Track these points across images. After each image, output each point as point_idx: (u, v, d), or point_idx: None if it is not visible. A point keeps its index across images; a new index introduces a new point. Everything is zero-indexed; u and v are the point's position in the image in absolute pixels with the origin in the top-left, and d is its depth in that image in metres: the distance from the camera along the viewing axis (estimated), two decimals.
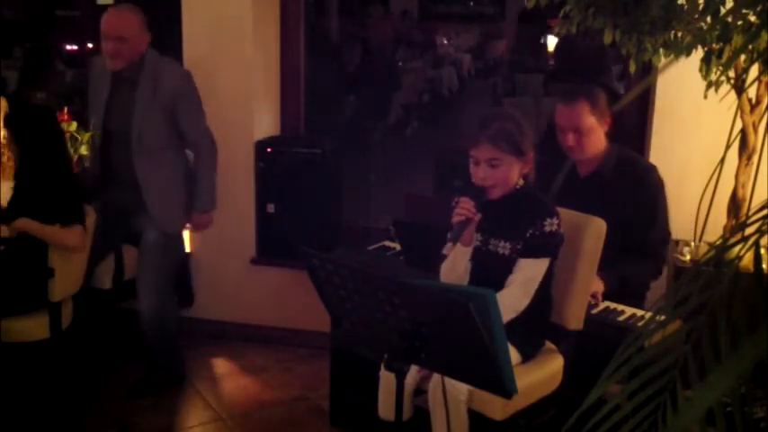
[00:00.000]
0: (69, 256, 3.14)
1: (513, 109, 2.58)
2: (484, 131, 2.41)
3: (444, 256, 2.54)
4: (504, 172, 2.42)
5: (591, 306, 2.73)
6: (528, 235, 2.42)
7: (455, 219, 2.39)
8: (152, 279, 3.43)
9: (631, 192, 2.95)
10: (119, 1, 4.89)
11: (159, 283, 3.44)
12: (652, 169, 3.03)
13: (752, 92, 2.92)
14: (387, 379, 2.44)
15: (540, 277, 2.43)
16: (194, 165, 3.53)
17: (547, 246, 2.43)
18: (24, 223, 3.03)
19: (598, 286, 2.83)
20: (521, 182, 2.47)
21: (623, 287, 2.91)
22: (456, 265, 2.51)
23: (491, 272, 2.48)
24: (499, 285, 2.38)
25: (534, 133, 2.59)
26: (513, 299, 2.39)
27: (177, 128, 3.40)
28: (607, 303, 2.82)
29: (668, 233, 3.03)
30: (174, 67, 3.47)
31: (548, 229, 2.41)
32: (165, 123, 3.36)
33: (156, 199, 3.40)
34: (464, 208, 2.38)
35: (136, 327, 3.49)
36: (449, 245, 2.50)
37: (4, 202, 3.24)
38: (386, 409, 2.48)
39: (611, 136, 3.04)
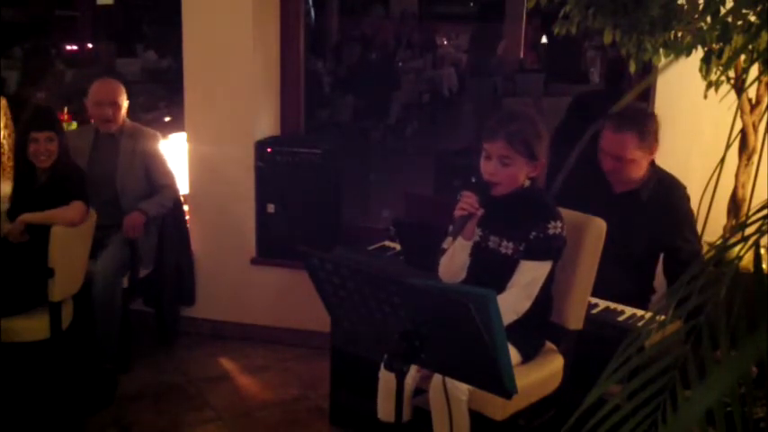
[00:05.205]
0: (69, 256, 3.15)
1: (534, 112, 2.57)
2: (503, 128, 2.41)
3: (444, 250, 2.54)
4: (512, 171, 2.42)
5: (591, 306, 2.72)
6: (531, 237, 2.41)
7: (457, 212, 2.39)
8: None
9: (666, 214, 2.92)
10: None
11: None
12: (684, 189, 3.00)
13: (752, 92, 2.92)
14: (387, 379, 2.44)
15: (542, 280, 2.43)
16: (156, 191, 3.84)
17: (550, 249, 2.43)
18: (26, 217, 3.12)
19: None
20: (527, 182, 2.48)
21: None
22: (455, 259, 2.51)
23: (490, 269, 2.48)
24: (498, 284, 2.38)
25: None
26: (514, 301, 2.39)
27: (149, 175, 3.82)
28: (607, 304, 2.78)
29: (700, 247, 2.98)
30: (147, 130, 3.89)
31: (551, 231, 2.41)
32: (142, 176, 3.78)
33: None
34: (467, 202, 2.38)
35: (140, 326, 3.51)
36: (449, 239, 2.49)
37: (5, 202, 3.26)
38: (385, 409, 2.48)
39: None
